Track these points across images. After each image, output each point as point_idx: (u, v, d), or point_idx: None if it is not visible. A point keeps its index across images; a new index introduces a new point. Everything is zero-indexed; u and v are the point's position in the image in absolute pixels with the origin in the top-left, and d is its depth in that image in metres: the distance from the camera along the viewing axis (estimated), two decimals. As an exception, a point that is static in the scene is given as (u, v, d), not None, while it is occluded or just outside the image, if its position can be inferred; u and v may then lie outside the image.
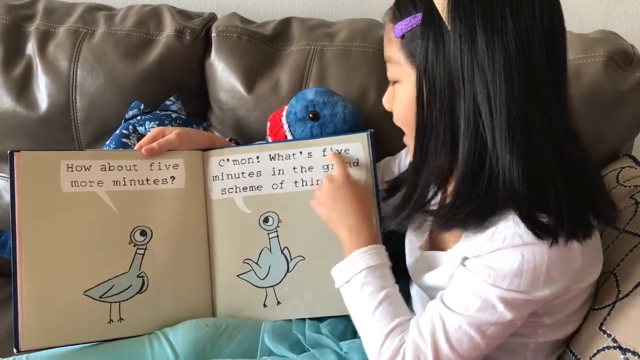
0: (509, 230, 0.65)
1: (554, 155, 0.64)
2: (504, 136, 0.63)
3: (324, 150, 0.89)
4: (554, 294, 0.67)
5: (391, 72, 0.76)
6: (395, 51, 0.73)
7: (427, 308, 0.71)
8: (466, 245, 0.70)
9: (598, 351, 0.69)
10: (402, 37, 0.71)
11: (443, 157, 0.69)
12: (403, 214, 0.76)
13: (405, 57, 0.71)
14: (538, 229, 0.64)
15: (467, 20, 0.64)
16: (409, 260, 0.84)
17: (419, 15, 0.68)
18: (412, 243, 0.84)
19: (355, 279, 0.74)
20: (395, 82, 0.76)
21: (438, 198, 0.73)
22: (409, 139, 0.77)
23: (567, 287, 0.68)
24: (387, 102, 0.80)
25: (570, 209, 0.64)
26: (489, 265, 0.66)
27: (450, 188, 0.71)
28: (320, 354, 0.79)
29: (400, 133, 0.85)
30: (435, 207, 0.74)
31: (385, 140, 0.97)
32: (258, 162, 0.90)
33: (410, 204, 0.75)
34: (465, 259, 0.70)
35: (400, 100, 0.75)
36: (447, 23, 0.65)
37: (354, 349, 0.79)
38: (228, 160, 0.91)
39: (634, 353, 0.65)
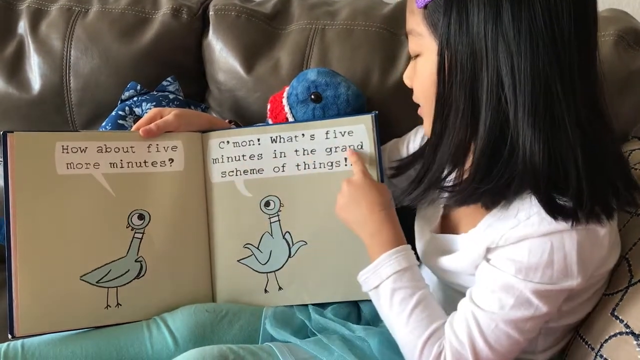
0: (535, 217, 0.64)
1: (575, 133, 0.62)
2: (526, 110, 0.62)
3: (326, 133, 0.87)
4: (586, 281, 0.66)
5: (413, 45, 0.74)
6: (417, 22, 0.70)
7: (458, 308, 0.70)
8: (487, 234, 0.68)
9: (610, 337, 0.68)
10: (425, 7, 0.69)
11: (462, 131, 0.67)
12: (419, 190, 0.74)
13: (428, 28, 0.69)
14: (556, 211, 0.62)
15: None
16: (419, 243, 0.83)
17: None
18: (422, 227, 0.82)
19: (384, 285, 0.72)
20: (416, 56, 0.74)
21: (454, 175, 0.71)
22: (425, 114, 0.76)
23: (594, 273, 0.67)
24: (407, 77, 0.78)
25: (591, 188, 0.63)
26: (517, 259, 0.65)
27: (466, 165, 0.69)
28: (327, 340, 0.77)
29: (405, 116, 0.83)
30: (450, 184, 0.72)
31: (389, 123, 0.95)
32: (259, 144, 0.88)
33: (427, 179, 0.73)
34: (488, 250, 0.68)
35: (422, 75, 0.73)
36: None
37: (371, 335, 0.77)
38: (228, 142, 0.89)
39: (647, 339, 0.64)
